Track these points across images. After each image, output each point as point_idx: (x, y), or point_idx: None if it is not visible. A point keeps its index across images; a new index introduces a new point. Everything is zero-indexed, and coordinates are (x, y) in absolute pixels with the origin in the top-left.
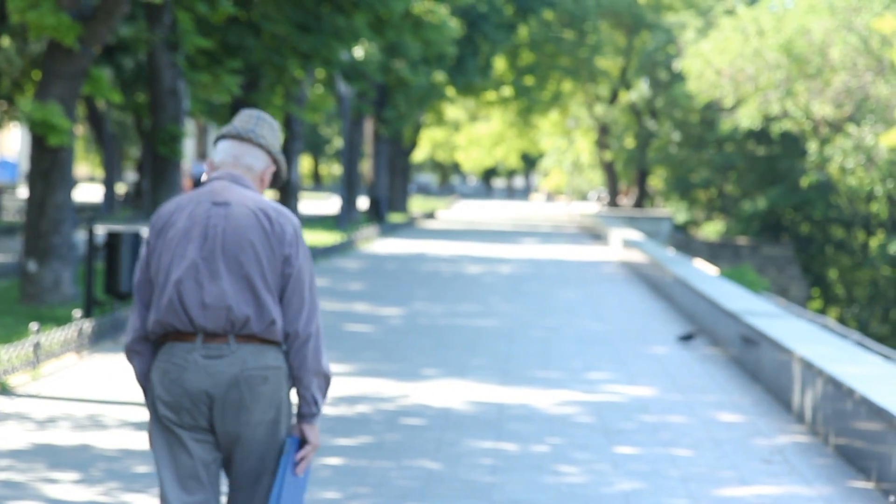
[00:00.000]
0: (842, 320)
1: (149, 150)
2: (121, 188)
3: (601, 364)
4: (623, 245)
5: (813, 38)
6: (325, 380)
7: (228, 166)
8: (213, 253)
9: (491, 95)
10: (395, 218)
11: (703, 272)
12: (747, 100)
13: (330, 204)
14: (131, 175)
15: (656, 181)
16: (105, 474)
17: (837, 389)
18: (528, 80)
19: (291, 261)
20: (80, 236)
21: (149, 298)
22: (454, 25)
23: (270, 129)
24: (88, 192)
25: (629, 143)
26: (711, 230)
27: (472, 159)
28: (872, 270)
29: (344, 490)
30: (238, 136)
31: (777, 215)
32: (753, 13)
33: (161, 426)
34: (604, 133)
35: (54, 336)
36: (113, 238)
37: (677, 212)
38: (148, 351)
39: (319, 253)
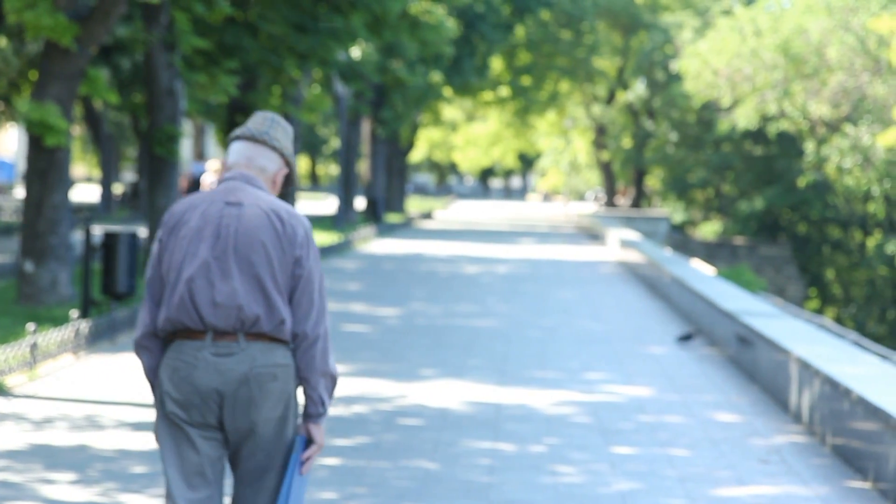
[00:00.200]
0: (839, 320)
1: (146, 151)
2: (118, 188)
3: (598, 364)
4: (620, 245)
5: (810, 38)
6: (332, 380)
7: (242, 167)
8: (225, 252)
9: (488, 95)
10: (392, 218)
11: (700, 272)
12: (744, 100)
13: (327, 204)
14: (128, 175)
15: (653, 181)
16: (102, 475)
17: (834, 389)
18: (525, 81)
19: (302, 262)
20: (77, 237)
21: (159, 295)
22: (451, 25)
23: (284, 132)
24: (85, 192)
25: (626, 143)
26: (708, 230)
27: (469, 159)
28: (869, 270)
29: (341, 490)
30: (252, 138)
31: (774, 215)
32: (750, 13)
33: (168, 422)
34: (601, 133)
35: (51, 336)
36: (110, 238)
37: (674, 212)
38: (157, 347)
39: None
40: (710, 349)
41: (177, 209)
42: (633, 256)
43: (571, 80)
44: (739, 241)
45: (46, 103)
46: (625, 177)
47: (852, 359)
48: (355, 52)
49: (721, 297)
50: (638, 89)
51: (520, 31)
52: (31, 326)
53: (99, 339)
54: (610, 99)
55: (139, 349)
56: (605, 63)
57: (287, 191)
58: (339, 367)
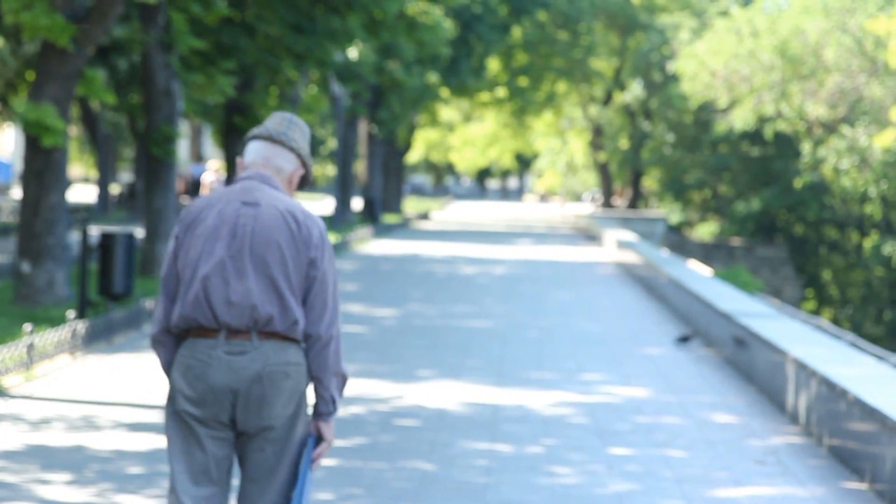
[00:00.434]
0: (835, 321)
1: (143, 151)
2: (115, 189)
3: (595, 365)
4: (617, 246)
5: (807, 39)
6: (344, 380)
7: (259, 167)
8: (241, 252)
9: (485, 96)
10: (389, 219)
11: (697, 273)
12: (741, 101)
13: (324, 205)
14: (125, 176)
15: (650, 182)
16: (98, 475)
17: (831, 390)
18: (523, 81)
19: (317, 263)
20: (74, 237)
21: (174, 291)
22: (448, 26)
23: (301, 133)
24: (82, 192)
25: (623, 144)
26: (705, 231)
27: (465, 160)
28: (866, 271)
29: (338, 491)
30: (270, 138)
31: (771, 216)
32: (748, 14)
33: (178, 419)
34: (598, 134)
35: (48, 337)
36: (107, 239)
37: (671, 213)
38: (172, 342)
39: None
40: (707, 350)
41: (194, 207)
42: (630, 257)
43: (568, 80)
44: (736, 241)
45: (43, 104)
46: (622, 178)
47: (849, 360)
48: (352, 52)
49: (718, 298)
50: (635, 90)
51: (517, 32)
52: (27, 327)
53: (96, 339)
54: (607, 100)
55: (156, 345)
56: (602, 64)
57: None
58: None
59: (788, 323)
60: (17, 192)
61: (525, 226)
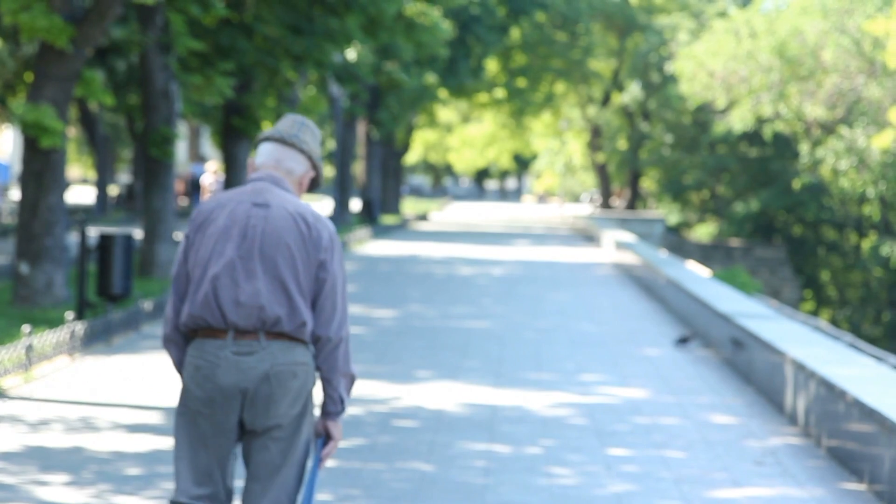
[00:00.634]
0: (834, 322)
1: (141, 152)
2: (113, 190)
3: (594, 366)
4: (615, 247)
5: (805, 40)
6: (351, 379)
7: (270, 168)
8: (251, 252)
9: (483, 97)
10: (387, 220)
11: (695, 274)
12: (740, 102)
13: (322, 205)
14: (124, 177)
15: (649, 183)
16: (97, 476)
17: (830, 391)
18: (521, 82)
19: (326, 266)
20: (73, 238)
21: (184, 290)
22: (446, 27)
23: (313, 136)
24: (81, 193)
25: (622, 144)
26: (704, 232)
27: (464, 160)
28: (864, 272)
29: (336, 492)
30: (282, 140)
31: (769, 217)
32: (746, 15)
33: (186, 419)
34: (596, 135)
35: (46, 338)
36: (105, 240)
37: (670, 213)
38: (183, 340)
39: None
40: (706, 351)
41: (205, 207)
42: (629, 258)
43: (567, 81)
44: (735, 242)
45: (42, 105)
46: (620, 178)
47: (847, 361)
48: (351, 53)
49: (716, 299)
50: (633, 91)
51: (515, 33)
52: (26, 328)
53: (94, 340)
54: (605, 101)
55: (168, 344)
56: (601, 65)
57: None
58: None
59: (787, 324)
60: (15, 194)
61: (523, 226)
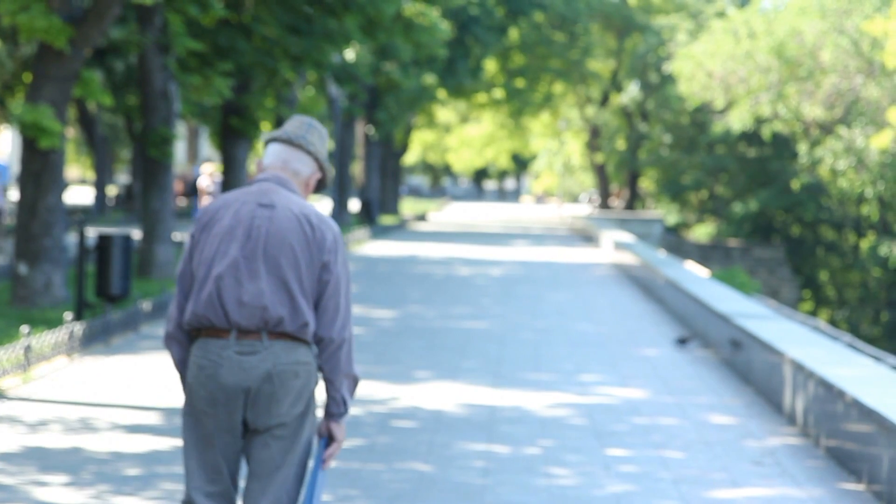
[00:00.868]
0: (833, 322)
1: (140, 153)
2: (112, 190)
3: (593, 366)
4: (614, 247)
5: (804, 40)
6: (355, 382)
7: (276, 169)
8: (255, 253)
9: (482, 97)
10: (386, 220)
11: (694, 274)
12: (738, 102)
13: (321, 206)
14: (122, 177)
15: (647, 183)
16: (96, 477)
17: (828, 391)
18: (519, 82)
19: (330, 267)
20: (72, 239)
21: (189, 289)
22: (445, 28)
23: (320, 137)
24: (79, 194)
25: (620, 145)
26: (702, 232)
27: (462, 160)
28: (863, 272)
29: (335, 492)
30: (289, 141)
31: (768, 217)
32: (744, 15)
33: (193, 418)
34: (595, 135)
35: (45, 339)
36: (104, 240)
37: (668, 214)
38: (186, 339)
39: None
40: (705, 351)
41: (211, 207)
42: (627, 258)
43: (565, 82)
44: (733, 242)
45: (40, 105)
46: (618, 179)
47: (846, 361)
48: (349, 54)
49: (715, 299)
50: (632, 91)
51: (513, 34)
52: (24, 329)
53: (93, 341)
54: (604, 101)
55: (170, 341)
56: (599, 65)
57: None
58: None
59: (785, 324)
60: (14, 194)
61: (522, 227)
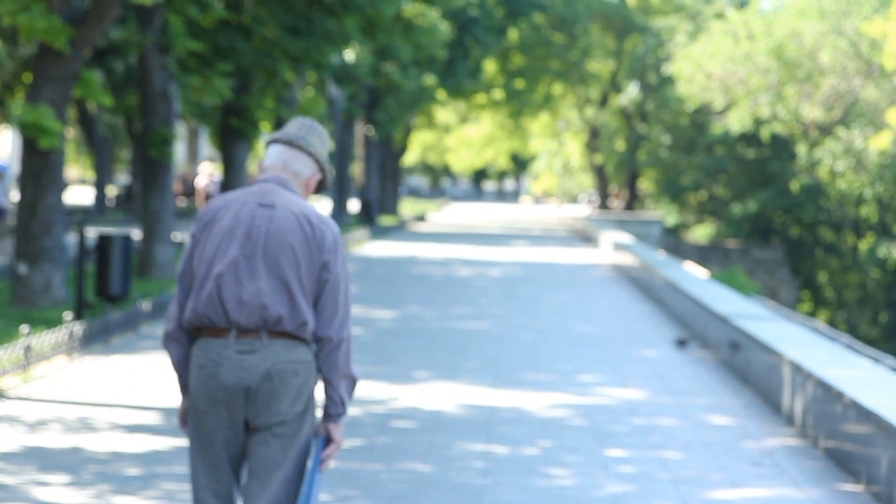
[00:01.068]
0: (831, 323)
1: (140, 153)
2: (112, 191)
3: (592, 367)
4: (613, 248)
5: (803, 41)
6: (353, 382)
7: (277, 170)
8: (255, 252)
9: (481, 98)
10: (385, 221)
11: (693, 275)
12: (737, 103)
13: (320, 206)
14: (122, 178)
15: (647, 184)
16: (96, 477)
17: (827, 392)
18: (519, 83)
19: (329, 267)
20: (71, 239)
21: (189, 288)
22: (445, 28)
23: (320, 139)
24: (79, 194)
25: (619, 146)
26: (701, 233)
27: (462, 161)
28: (862, 273)
29: (334, 492)
30: (289, 143)
31: (767, 218)
32: (743, 17)
33: (196, 419)
34: (594, 136)
35: (45, 338)
36: (104, 241)
37: (667, 215)
38: (186, 339)
39: None
40: (703, 352)
41: (212, 207)
42: (626, 259)
43: (565, 82)
44: (732, 244)
45: (40, 106)
46: (618, 180)
47: (845, 362)
48: (349, 54)
49: (714, 300)
50: (631, 92)
51: (513, 34)
52: (24, 328)
53: (93, 341)
54: (603, 102)
55: (168, 341)
56: (599, 66)
57: None
58: None
59: (784, 325)
60: (14, 194)
61: (521, 228)
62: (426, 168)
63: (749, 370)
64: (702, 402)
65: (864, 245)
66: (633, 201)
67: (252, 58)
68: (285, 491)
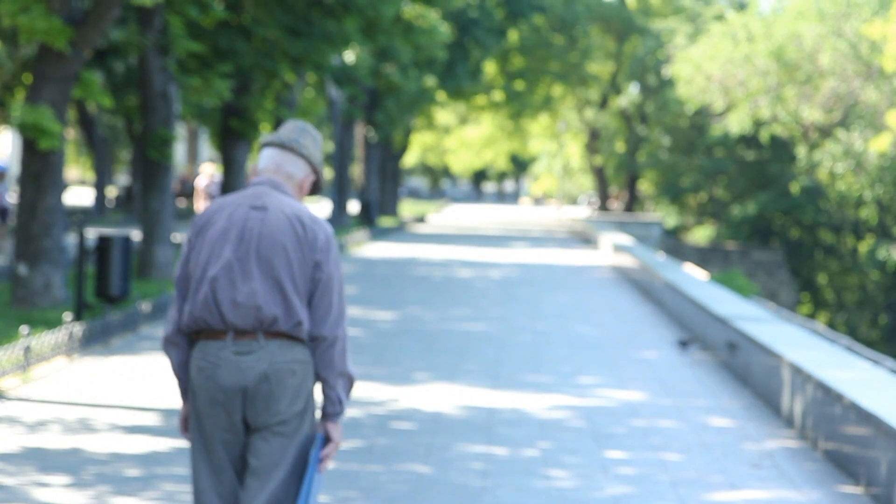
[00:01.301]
0: (831, 325)
1: (139, 154)
2: (111, 192)
3: (591, 368)
4: (613, 249)
5: (802, 43)
6: (350, 380)
7: (270, 173)
8: (248, 254)
9: (481, 100)
10: (385, 222)
11: (692, 277)
12: (737, 105)
13: (320, 208)
14: (122, 178)
15: (646, 186)
16: (95, 478)
17: (826, 394)
18: (519, 85)
19: (322, 266)
20: (71, 240)
21: (186, 292)
22: (445, 30)
23: (313, 141)
24: (79, 195)
25: (619, 147)
26: (701, 235)
27: (461, 162)
28: (861, 275)
29: (334, 494)
30: (282, 145)
31: (767, 220)
32: (743, 19)
33: (197, 421)
34: (594, 137)
35: (45, 339)
36: (103, 241)
37: (667, 216)
38: (185, 342)
39: None
40: (703, 354)
41: (207, 211)
42: (626, 261)
43: (564, 84)
44: (732, 245)
45: (40, 106)
46: (618, 181)
47: (844, 364)
48: (349, 56)
49: (713, 302)
50: (631, 94)
51: (513, 36)
52: (24, 329)
53: (92, 342)
54: (603, 103)
55: (168, 345)
56: (598, 68)
57: None
58: None
59: (784, 327)
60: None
61: (521, 229)
62: (426, 169)
63: (749, 372)
64: (701, 404)
65: (863, 247)
66: (632, 203)
67: (252, 59)
68: (285, 490)
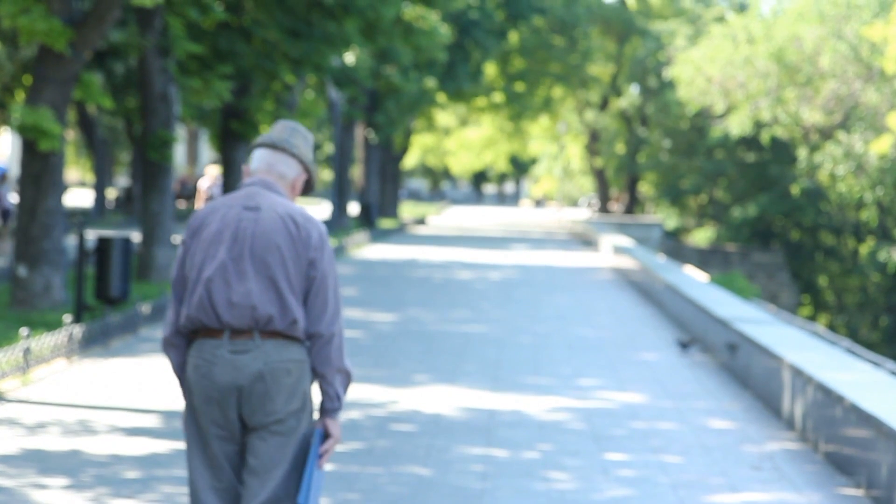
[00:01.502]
0: (832, 327)
1: (139, 155)
2: (111, 193)
3: (592, 370)
4: (613, 251)
5: (803, 45)
6: (347, 376)
7: (262, 173)
8: (242, 254)
9: (482, 101)
10: (385, 223)
11: (693, 279)
12: (737, 107)
13: (320, 209)
14: (122, 180)
15: (647, 187)
16: (95, 480)
17: (827, 396)
18: (519, 87)
19: (316, 264)
20: (71, 241)
21: (183, 294)
22: (445, 31)
23: (304, 140)
24: (79, 197)
25: (620, 149)
26: (701, 237)
27: (462, 163)
28: (862, 277)
29: (334, 496)
30: (273, 146)
31: (767, 222)
32: (743, 21)
33: (192, 419)
34: (594, 139)
35: (44, 341)
36: (103, 243)
37: (667, 218)
38: (183, 343)
39: None
40: (703, 356)
41: (201, 213)
42: (627, 263)
43: (565, 86)
44: (732, 247)
45: (40, 108)
46: (618, 183)
47: (845, 366)
48: (349, 57)
49: (714, 304)
50: (631, 96)
51: (513, 38)
52: (24, 331)
53: (92, 343)
54: (603, 105)
55: (167, 347)
56: (599, 69)
57: None
58: None
59: (784, 329)
60: (13, 197)
61: (521, 231)
62: (426, 171)
63: (749, 374)
64: (702, 406)
65: (864, 249)
66: (633, 205)
67: (252, 60)
68: (284, 488)
